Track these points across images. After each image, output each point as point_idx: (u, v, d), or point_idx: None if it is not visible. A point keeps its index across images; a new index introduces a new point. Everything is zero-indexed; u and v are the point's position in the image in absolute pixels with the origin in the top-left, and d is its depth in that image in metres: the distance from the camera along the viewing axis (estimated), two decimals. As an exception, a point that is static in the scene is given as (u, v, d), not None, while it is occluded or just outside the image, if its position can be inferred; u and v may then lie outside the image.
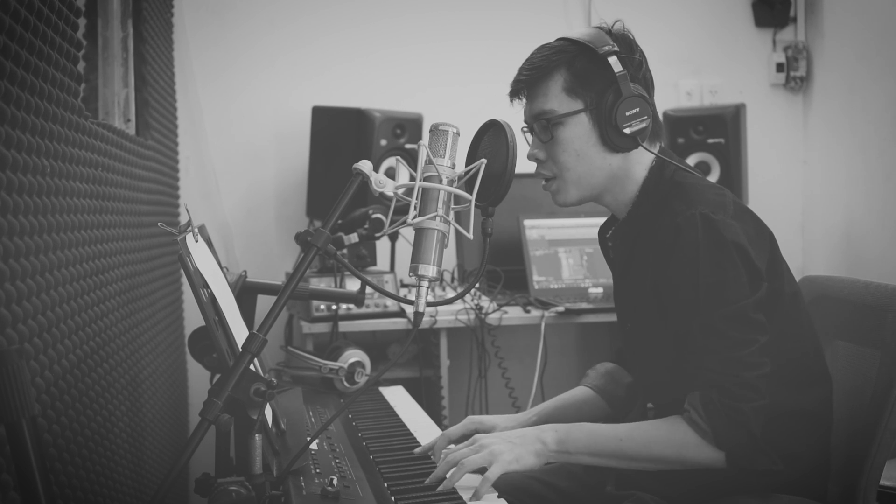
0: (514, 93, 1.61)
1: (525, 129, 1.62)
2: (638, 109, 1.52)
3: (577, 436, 1.50)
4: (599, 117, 1.53)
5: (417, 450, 1.61)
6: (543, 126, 1.56)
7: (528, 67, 1.57)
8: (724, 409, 1.42)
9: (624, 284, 1.66)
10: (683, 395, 1.48)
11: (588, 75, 1.53)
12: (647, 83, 1.57)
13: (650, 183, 1.57)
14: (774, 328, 1.49)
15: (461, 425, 1.66)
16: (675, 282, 1.48)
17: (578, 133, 1.54)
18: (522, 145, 1.41)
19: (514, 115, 1.62)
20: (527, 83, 1.57)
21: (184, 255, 1.27)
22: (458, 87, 3.43)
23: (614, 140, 1.53)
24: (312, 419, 1.81)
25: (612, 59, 1.51)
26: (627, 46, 1.55)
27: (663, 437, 1.48)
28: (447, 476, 1.41)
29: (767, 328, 1.46)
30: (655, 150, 1.58)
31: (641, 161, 1.58)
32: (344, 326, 2.69)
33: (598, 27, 1.57)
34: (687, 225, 1.46)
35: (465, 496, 1.40)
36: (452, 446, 1.55)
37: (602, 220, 1.74)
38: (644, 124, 1.53)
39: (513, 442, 1.47)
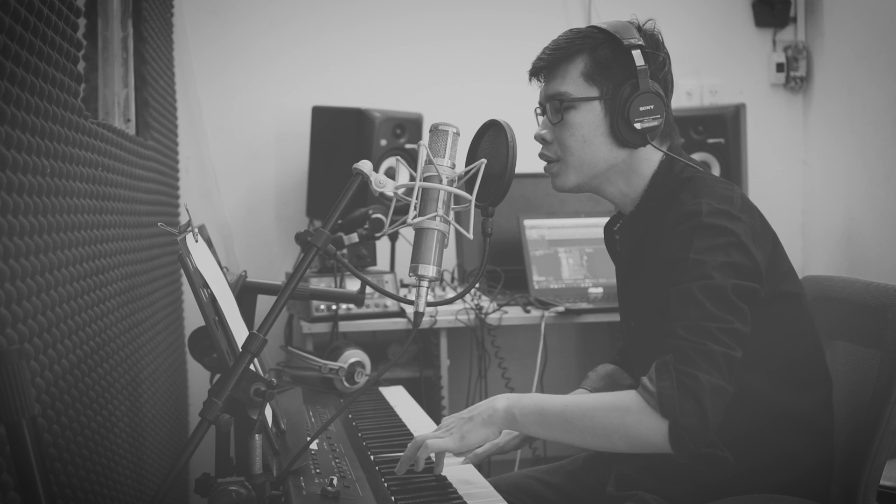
0: (535, 72, 1.60)
1: (537, 111, 1.62)
2: (652, 107, 1.51)
3: (525, 402, 1.47)
4: (613, 108, 1.53)
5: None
6: (556, 107, 1.56)
7: (552, 48, 1.57)
8: (676, 374, 1.32)
9: (629, 281, 1.65)
10: None
11: (609, 64, 1.53)
12: (667, 84, 1.57)
13: (659, 178, 1.57)
14: (774, 328, 1.48)
15: None
16: (665, 256, 1.46)
17: (589, 120, 1.54)
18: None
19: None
20: (548, 63, 1.57)
21: (184, 255, 1.27)
22: (458, 87, 3.44)
23: (623, 133, 1.52)
24: (312, 419, 1.81)
25: (636, 53, 1.51)
26: (654, 44, 1.55)
27: (608, 404, 1.40)
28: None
29: (748, 320, 1.41)
30: (664, 150, 1.58)
31: (650, 158, 1.58)
32: (344, 326, 2.69)
33: (629, 21, 1.57)
34: (691, 212, 1.45)
35: (463, 491, 1.40)
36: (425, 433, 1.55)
37: (603, 220, 1.74)
38: (656, 122, 1.52)
39: (466, 417, 1.49)
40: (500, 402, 1.49)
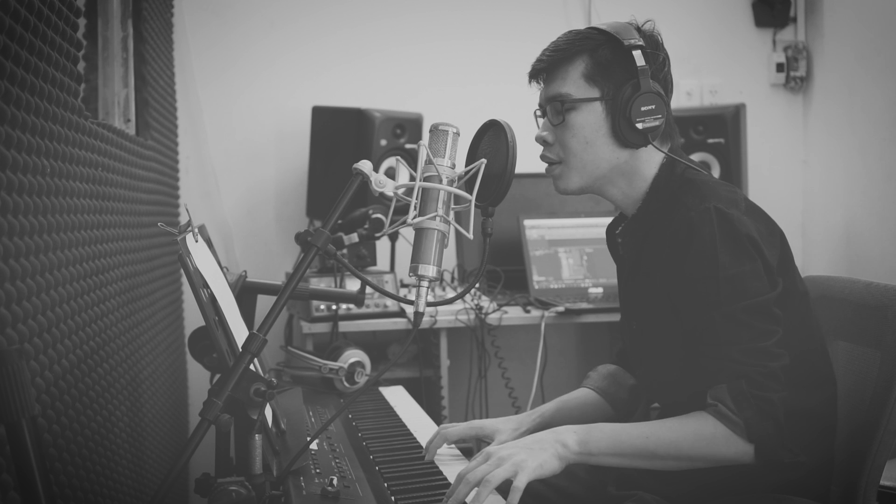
0: (534, 74, 1.60)
1: (537, 113, 1.62)
2: (654, 106, 1.51)
3: (598, 436, 1.44)
4: (614, 109, 1.53)
5: (428, 457, 1.59)
6: (557, 109, 1.56)
7: (552, 49, 1.57)
8: (755, 400, 1.39)
9: (632, 282, 1.65)
10: (694, 392, 1.46)
11: (609, 65, 1.53)
12: (667, 84, 1.57)
13: (660, 180, 1.57)
14: (785, 326, 1.48)
15: (461, 429, 1.64)
16: (692, 276, 1.46)
17: (590, 121, 1.54)
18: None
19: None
20: (548, 65, 1.57)
21: (184, 255, 1.27)
22: (458, 87, 3.44)
23: (625, 134, 1.52)
24: (312, 419, 1.81)
25: (637, 53, 1.51)
26: (653, 44, 1.56)
27: (691, 433, 1.43)
28: (471, 495, 1.32)
29: (782, 322, 1.46)
30: (665, 150, 1.58)
31: (651, 159, 1.58)
32: (344, 326, 2.69)
33: (628, 22, 1.57)
34: (701, 219, 1.45)
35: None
36: (467, 464, 1.41)
37: (603, 220, 1.74)
38: (657, 122, 1.52)
39: (532, 448, 1.40)
40: (568, 436, 1.43)
